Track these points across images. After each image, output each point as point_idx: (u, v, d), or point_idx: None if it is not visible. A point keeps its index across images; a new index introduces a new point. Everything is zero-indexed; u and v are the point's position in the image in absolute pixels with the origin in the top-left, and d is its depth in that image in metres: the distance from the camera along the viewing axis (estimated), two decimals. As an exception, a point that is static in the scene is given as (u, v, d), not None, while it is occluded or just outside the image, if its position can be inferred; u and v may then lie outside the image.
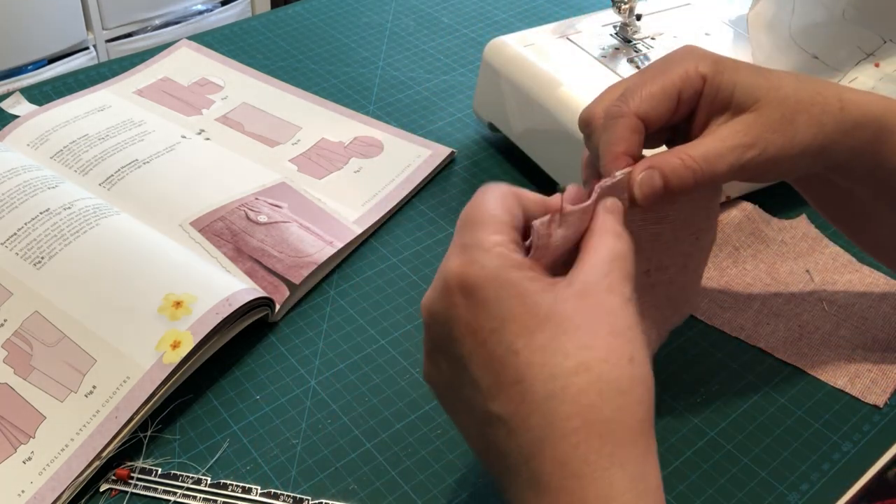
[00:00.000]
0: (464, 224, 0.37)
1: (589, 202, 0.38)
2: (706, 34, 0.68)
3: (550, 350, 0.33)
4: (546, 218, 0.37)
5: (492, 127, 0.70)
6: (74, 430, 0.47)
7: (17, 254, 0.54)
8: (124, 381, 0.48)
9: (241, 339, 0.53)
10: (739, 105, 0.41)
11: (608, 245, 0.36)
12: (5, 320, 0.52)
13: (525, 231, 0.38)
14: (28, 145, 0.66)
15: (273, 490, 0.46)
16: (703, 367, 0.53)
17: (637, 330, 0.35)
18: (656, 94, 0.41)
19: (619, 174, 0.39)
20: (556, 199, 0.39)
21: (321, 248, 0.59)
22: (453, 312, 0.35)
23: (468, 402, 0.36)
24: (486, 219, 0.36)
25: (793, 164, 0.42)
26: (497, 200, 0.37)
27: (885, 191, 0.45)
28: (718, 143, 0.41)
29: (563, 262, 0.38)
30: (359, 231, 0.61)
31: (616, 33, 0.68)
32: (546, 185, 0.65)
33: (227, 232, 0.59)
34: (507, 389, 0.34)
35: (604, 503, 0.32)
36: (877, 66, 0.62)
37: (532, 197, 0.39)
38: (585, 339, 0.34)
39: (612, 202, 0.38)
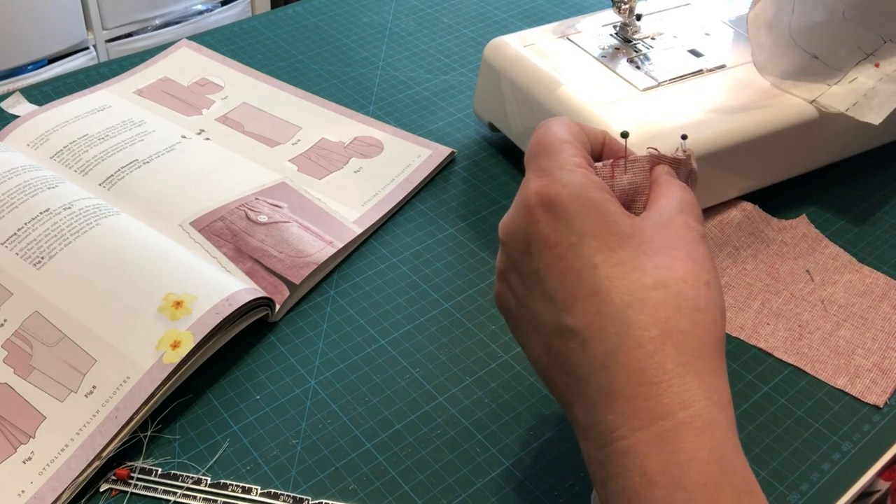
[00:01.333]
0: (538, 151, 0.38)
1: (649, 156, 0.40)
2: (706, 34, 0.68)
3: (629, 266, 0.35)
4: (609, 161, 0.39)
5: (492, 127, 0.69)
6: (74, 430, 0.47)
7: (17, 254, 0.54)
8: (124, 381, 0.48)
9: (241, 339, 0.53)
10: None
11: (677, 192, 0.38)
12: (5, 320, 0.52)
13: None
14: (28, 145, 0.66)
15: (273, 490, 0.46)
16: (703, 367, 0.53)
17: (712, 261, 0.36)
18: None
19: (680, 153, 0.41)
20: (616, 145, 0.41)
21: (321, 248, 0.59)
22: (533, 228, 0.36)
23: (538, 316, 0.37)
24: (560, 143, 0.38)
25: None
26: (565, 128, 0.39)
27: None
28: None
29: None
30: (359, 231, 0.61)
31: (616, 33, 0.68)
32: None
33: (227, 232, 0.59)
34: (583, 301, 0.35)
35: (680, 409, 0.32)
36: (877, 66, 0.62)
37: (592, 129, 0.40)
38: (664, 261, 0.35)
39: (669, 169, 0.40)
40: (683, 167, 0.41)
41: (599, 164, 0.39)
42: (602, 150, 0.41)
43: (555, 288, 0.36)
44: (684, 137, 0.41)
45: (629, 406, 0.33)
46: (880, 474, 0.48)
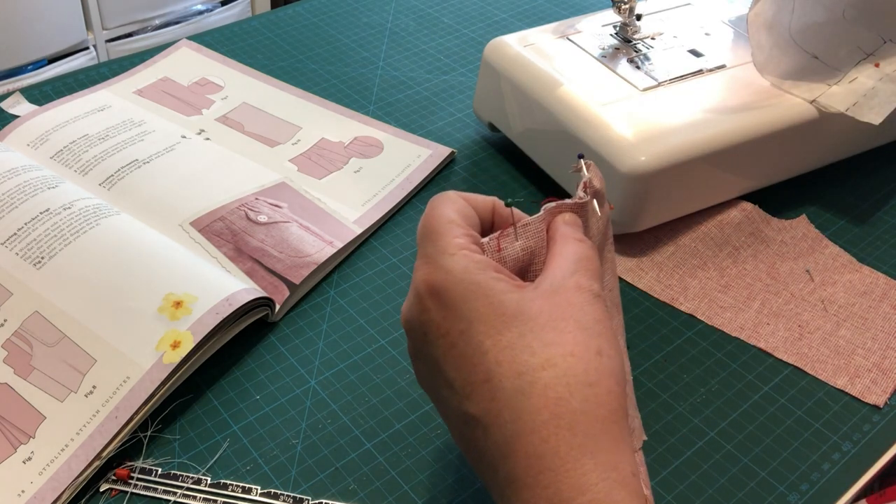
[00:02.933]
0: (423, 236, 0.38)
1: (544, 213, 0.39)
2: (706, 34, 0.68)
3: (518, 348, 0.34)
4: (495, 234, 0.38)
5: (492, 127, 0.69)
6: (74, 430, 0.47)
7: (17, 254, 0.54)
8: (124, 381, 0.48)
9: (241, 339, 0.53)
10: None
11: (572, 248, 0.37)
12: (5, 320, 0.52)
13: (483, 232, 0.39)
14: (28, 145, 0.66)
15: (273, 490, 0.46)
16: (703, 367, 0.53)
17: (606, 324, 0.35)
18: None
19: (580, 194, 0.40)
20: (506, 212, 0.40)
21: (321, 248, 0.59)
22: (426, 317, 0.36)
23: (447, 403, 0.37)
24: (443, 226, 0.38)
25: None
26: (450, 207, 0.39)
27: None
28: None
29: (518, 275, 0.39)
30: (359, 231, 0.61)
31: (616, 33, 0.68)
32: (546, 184, 0.66)
33: (227, 232, 0.59)
34: (478, 388, 0.34)
35: (578, 494, 0.32)
36: (877, 66, 0.62)
37: (481, 200, 0.40)
38: (551, 336, 0.34)
39: (570, 216, 0.39)
40: (590, 204, 0.40)
41: (486, 240, 0.38)
42: (493, 219, 0.40)
43: (454, 376, 0.35)
44: (581, 157, 0.40)
45: (531, 494, 0.33)
46: (864, 494, 0.48)
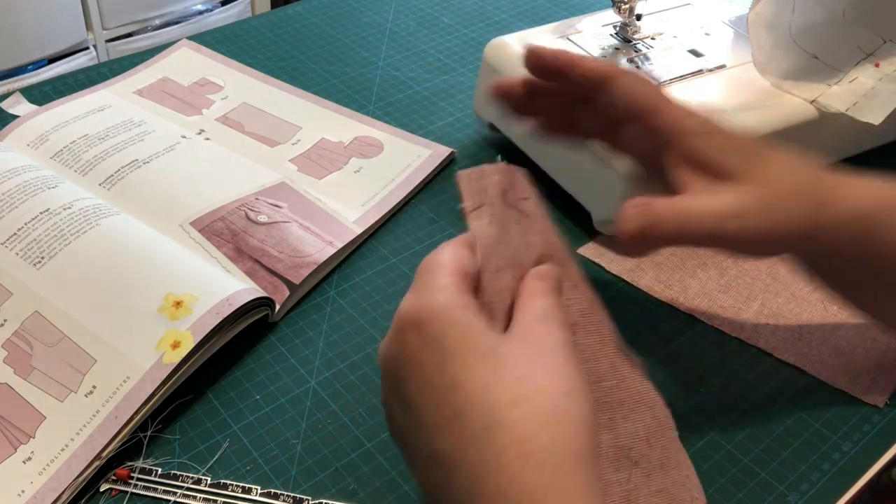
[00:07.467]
0: (419, 273, 0.38)
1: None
2: (706, 34, 0.68)
3: (490, 382, 0.34)
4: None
5: (492, 127, 0.69)
6: (74, 430, 0.47)
7: (17, 254, 0.54)
8: (124, 381, 0.48)
9: (241, 339, 0.53)
10: (723, 171, 0.43)
11: (537, 303, 0.38)
12: (5, 320, 0.52)
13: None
14: (28, 145, 0.66)
15: (273, 490, 0.46)
16: (703, 367, 0.53)
17: (574, 368, 0.35)
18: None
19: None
20: None
21: (321, 248, 0.59)
22: (404, 351, 0.36)
23: (416, 443, 0.36)
24: (436, 266, 0.38)
25: (776, 245, 0.44)
26: (450, 250, 0.39)
27: (884, 276, 0.45)
28: (699, 204, 0.42)
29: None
30: (359, 231, 0.61)
31: (616, 33, 0.68)
32: (546, 183, 0.65)
33: (227, 232, 0.59)
34: (448, 425, 0.34)
35: None
36: (877, 66, 0.62)
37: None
38: (522, 373, 0.34)
39: (546, 269, 0.40)
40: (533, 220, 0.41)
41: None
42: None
43: (423, 412, 0.35)
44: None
45: None
46: (880, 474, 0.48)
